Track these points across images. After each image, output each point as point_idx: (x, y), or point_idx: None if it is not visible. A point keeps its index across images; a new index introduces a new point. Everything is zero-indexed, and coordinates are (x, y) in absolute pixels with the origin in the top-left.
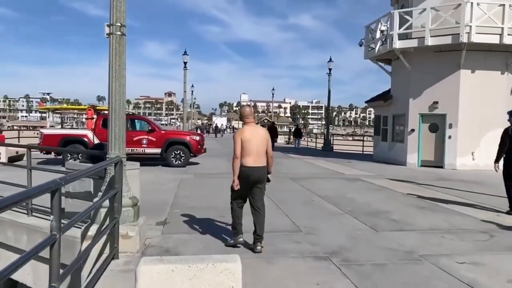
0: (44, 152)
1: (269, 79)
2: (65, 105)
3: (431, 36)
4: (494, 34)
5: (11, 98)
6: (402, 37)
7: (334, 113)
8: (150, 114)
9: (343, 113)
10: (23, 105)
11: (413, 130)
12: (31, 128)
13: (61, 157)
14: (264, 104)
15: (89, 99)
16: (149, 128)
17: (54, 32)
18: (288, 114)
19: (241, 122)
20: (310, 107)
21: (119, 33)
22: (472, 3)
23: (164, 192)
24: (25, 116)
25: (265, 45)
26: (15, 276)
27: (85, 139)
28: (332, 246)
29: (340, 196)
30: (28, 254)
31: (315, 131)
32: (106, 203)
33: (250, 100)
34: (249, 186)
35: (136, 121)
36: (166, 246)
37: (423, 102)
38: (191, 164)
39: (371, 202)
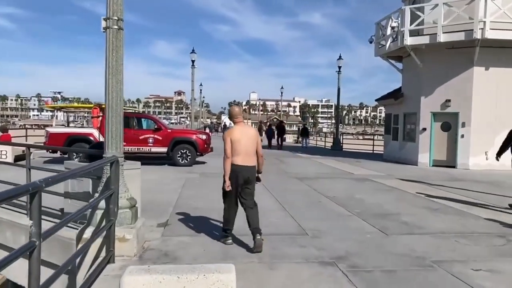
0: (50, 150)
1: (279, 78)
2: (75, 104)
3: (443, 33)
4: (509, 30)
5: (23, 97)
6: (413, 33)
7: (344, 112)
8: (160, 113)
9: (353, 112)
10: (34, 104)
11: (424, 129)
12: (42, 126)
13: (67, 155)
14: (274, 103)
15: (99, 98)
16: (155, 126)
17: (66, 32)
18: (298, 113)
19: (249, 121)
20: (320, 106)
21: (116, 27)
22: None
23: (168, 192)
24: (37, 115)
25: (275, 44)
26: (14, 279)
27: (91, 138)
28: (339, 250)
29: (349, 197)
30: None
31: (324, 130)
32: (103, 204)
33: (259, 99)
34: (239, 185)
35: (142, 119)
36: (165, 250)
37: (435, 100)
38: (197, 163)
39: (381, 204)
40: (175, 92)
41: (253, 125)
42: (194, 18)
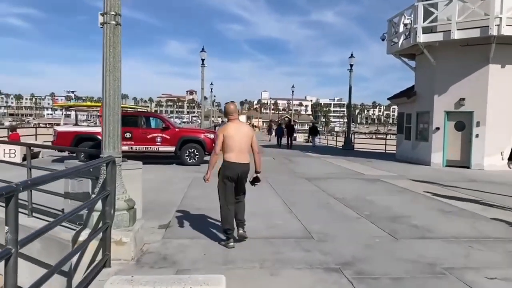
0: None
1: (290, 77)
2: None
3: (457, 29)
4: None
5: (37, 96)
6: (426, 30)
7: (357, 111)
8: (172, 112)
9: (366, 111)
10: (48, 103)
11: (438, 128)
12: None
13: (75, 154)
14: (285, 102)
15: None
16: (163, 125)
17: (78, 32)
18: (309, 112)
19: (260, 120)
20: (332, 104)
21: (113, 22)
22: None
23: (174, 192)
24: (51, 114)
25: (287, 43)
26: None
27: (98, 137)
28: (346, 255)
29: (358, 198)
30: None
31: (337, 129)
32: (100, 206)
33: (271, 98)
34: (234, 181)
35: (150, 118)
36: (164, 253)
37: (448, 99)
38: (205, 162)
39: (391, 206)
40: (187, 91)
41: (264, 124)
42: (206, 17)
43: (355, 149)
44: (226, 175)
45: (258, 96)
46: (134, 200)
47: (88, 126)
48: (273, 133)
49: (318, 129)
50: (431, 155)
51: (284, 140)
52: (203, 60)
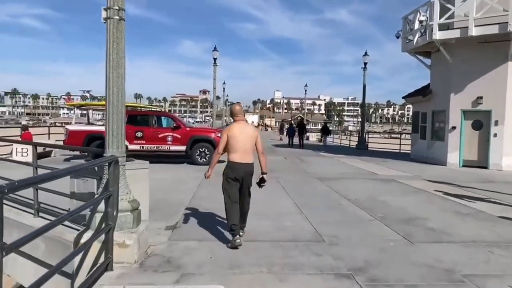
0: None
1: (304, 76)
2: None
3: (475, 26)
4: None
5: (54, 96)
6: (442, 27)
7: (371, 110)
8: (185, 111)
9: (380, 110)
10: (64, 103)
11: (454, 128)
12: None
13: (86, 153)
14: (298, 101)
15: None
16: (174, 125)
17: (93, 32)
18: (323, 111)
19: (273, 119)
20: (346, 103)
21: (117, 17)
22: None
23: (183, 192)
24: (67, 113)
25: (300, 42)
26: (21, 280)
27: None
28: (358, 260)
29: (372, 199)
30: None
31: (350, 128)
32: (103, 207)
33: (283, 97)
34: (239, 181)
35: (162, 118)
36: (169, 256)
37: (465, 97)
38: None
39: (406, 207)
40: (200, 91)
41: (277, 123)
42: (219, 17)
43: (369, 148)
44: (231, 175)
45: (270, 95)
46: (139, 201)
47: (102, 125)
48: (285, 133)
49: (331, 128)
50: (447, 155)
51: (296, 140)
52: (215, 59)
